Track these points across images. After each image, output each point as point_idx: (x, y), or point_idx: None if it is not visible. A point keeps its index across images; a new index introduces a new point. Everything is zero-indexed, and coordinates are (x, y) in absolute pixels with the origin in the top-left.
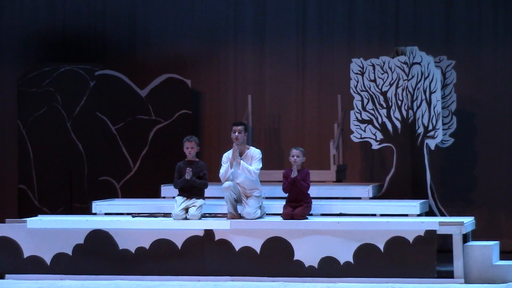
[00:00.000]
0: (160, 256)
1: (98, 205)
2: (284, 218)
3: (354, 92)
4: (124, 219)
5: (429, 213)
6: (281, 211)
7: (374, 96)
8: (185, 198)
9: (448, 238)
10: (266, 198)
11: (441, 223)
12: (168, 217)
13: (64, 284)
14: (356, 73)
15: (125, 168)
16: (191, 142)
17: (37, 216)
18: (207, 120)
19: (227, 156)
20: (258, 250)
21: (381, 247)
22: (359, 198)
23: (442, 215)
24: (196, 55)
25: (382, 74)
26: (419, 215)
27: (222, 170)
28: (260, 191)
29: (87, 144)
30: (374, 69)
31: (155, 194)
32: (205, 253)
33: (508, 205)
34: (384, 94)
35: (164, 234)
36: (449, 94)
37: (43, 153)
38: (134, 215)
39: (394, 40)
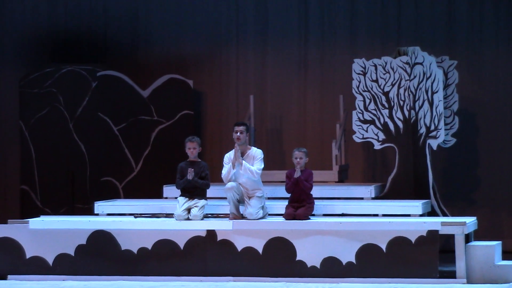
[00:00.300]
0: (163, 257)
1: (100, 206)
2: (287, 219)
3: (356, 92)
4: (126, 219)
5: (431, 213)
6: (283, 212)
7: (376, 96)
8: (187, 198)
9: (450, 238)
10: (268, 198)
11: (443, 223)
12: (170, 217)
13: (66, 284)
14: (358, 73)
15: (127, 169)
16: (193, 143)
17: (39, 216)
18: (209, 120)
19: (228, 156)
20: (260, 250)
21: (384, 247)
22: (361, 198)
23: (444, 215)
24: (198, 55)
25: (384, 74)
26: (421, 215)
27: (224, 171)
28: (262, 191)
29: (89, 145)
30: (376, 69)
31: (157, 194)
32: (208, 254)
33: (510, 205)
34: (386, 94)
35: (166, 234)
36: (451, 94)
37: (45, 153)
38: (136, 215)
39: (396, 40)
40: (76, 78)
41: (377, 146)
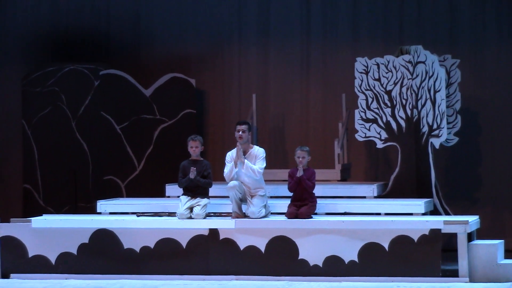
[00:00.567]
0: (165, 256)
1: (102, 205)
2: (289, 217)
3: (359, 91)
4: (129, 218)
5: (434, 212)
6: (285, 210)
7: (378, 95)
8: (189, 197)
9: (453, 237)
10: (271, 197)
11: (445, 222)
12: (172, 216)
13: (69, 283)
14: (361, 72)
15: (129, 168)
16: (196, 141)
17: (42, 215)
18: (211, 119)
19: (230, 155)
20: (262, 249)
21: (386, 246)
22: (364, 197)
23: (447, 214)
24: (200, 54)
25: (386, 73)
26: (423, 214)
27: (226, 170)
28: (265, 190)
29: (91, 144)
30: (378, 68)
31: (160, 193)
32: (210, 252)
33: None
34: (388, 93)
35: (168, 233)
36: (454, 93)
37: (47, 152)
38: (138, 214)
39: (399, 39)
40: (78, 77)
41: (380, 145)
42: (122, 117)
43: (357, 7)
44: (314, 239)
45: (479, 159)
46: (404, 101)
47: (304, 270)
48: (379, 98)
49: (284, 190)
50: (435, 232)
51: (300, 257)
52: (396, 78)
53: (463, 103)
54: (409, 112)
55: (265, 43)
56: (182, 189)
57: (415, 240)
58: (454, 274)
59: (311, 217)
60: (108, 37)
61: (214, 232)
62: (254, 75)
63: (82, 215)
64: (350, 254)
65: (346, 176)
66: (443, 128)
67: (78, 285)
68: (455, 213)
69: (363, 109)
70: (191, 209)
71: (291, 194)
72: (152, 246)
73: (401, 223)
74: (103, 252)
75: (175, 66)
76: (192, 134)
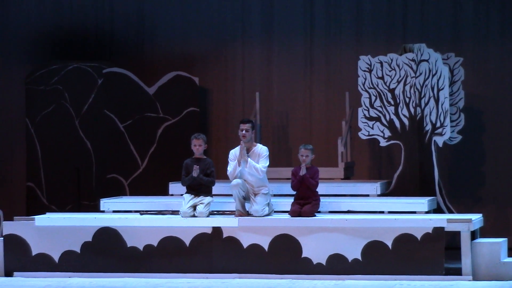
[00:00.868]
0: (168, 254)
1: (106, 203)
2: (292, 216)
3: (362, 89)
4: (132, 216)
5: (437, 210)
6: (289, 209)
7: (382, 93)
8: (193, 195)
9: (456, 235)
10: (274, 195)
11: (449, 220)
12: (176, 214)
13: (72, 281)
14: (364, 70)
15: (133, 166)
16: (199, 140)
17: (45, 213)
18: (214, 117)
19: (234, 153)
20: (266, 247)
21: (389, 244)
22: (367, 195)
23: (450, 212)
24: (203, 52)
25: (390, 71)
26: (427, 212)
27: (230, 168)
28: (268, 188)
29: (95, 142)
30: (382, 66)
31: (163, 191)
32: (213, 251)
33: None
34: (392, 91)
35: (172, 231)
36: (457, 91)
37: (51, 151)
38: (142, 212)
39: (402, 37)
40: (82, 75)
41: (383, 143)
42: (126, 115)
43: (361, 5)
44: (318, 237)
45: (482, 157)
46: (407, 99)
47: (308, 268)
48: (383, 96)
49: (287, 188)
50: (438, 230)
51: (304, 255)
52: (400, 76)
53: (466, 101)
54: (412, 110)
55: (269, 41)
56: (185, 187)
57: (419, 238)
58: (457, 272)
59: (315, 215)
60: (112, 35)
61: (217, 230)
62: (257, 73)
63: (86, 213)
64: (353, 252)
65: (349, 174)
66: (446, 126)
67: (82, 283)
68: (459, 211)
69: (367, 107)
70: (194, 207)
71: (294, 192)
72: (155, 244)
73: (405, 221)
74: (106, 251)
75: (179, 64)
76: (196, 132)
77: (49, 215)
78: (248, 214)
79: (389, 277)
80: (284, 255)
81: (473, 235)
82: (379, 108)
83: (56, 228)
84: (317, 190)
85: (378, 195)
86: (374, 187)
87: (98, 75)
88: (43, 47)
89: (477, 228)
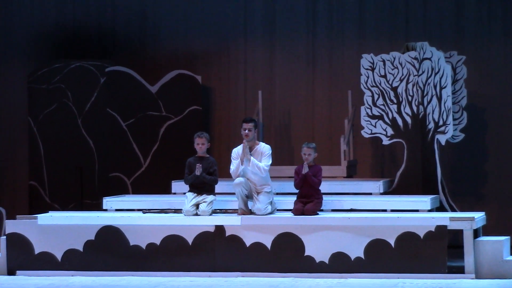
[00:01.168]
0: (171, 252)
1: (109, 201)
2: (295, 214)
3: (365, 87)
4: (135, 215)
5: (440, 208)
6: (291, 207)
7: (384, 92)
8: (195, 194)
9: (459, 233)
10: (277, 194)
11: (451, 219)
12: (178, 213)
13: (75, 280)
14: (367, 69)
15: (135, 164)
16: (202, 138)
17: (48, 212)
18: (217, 116)
19: (236, 151)
20: (269, 246)
21: (392, 242)
22: (370, 193)
23: (453, 210)
24: (206, 51)
25: (392, 69)
26: (429, 211)
27: (233, 167)
28: (271, 187)
29: (97, 141)
30: (384, 64)
31: (166, 190)
32: (216, 249)
33: None
34: (394, 89)
35: (174, 230)
36: (460, 89)
37: (53, 149)
38: (144, 211)
39: (405, 35)
40: (84, 73)
41: (386, 141)
42: (128, 114)
43: (363, 3)
44: (320, 236)
45: (485, 156)
46: (410, 98)
47: (310, 266)
48: (385, 94)
49: (290, 186)
50: (441, 229)
51: (306, 253)
52: (402, 74)
53: (469, 99)
54: (415, 108)
55: (271, 40)
56: (188, 186)
57: (421, 236)
58: (460, 270)
59: (317, 214)
60: (114, 33)
61: (220, 228)
62: (260, 72)
63: (88, 212)
64: (356, 250)
65: (352, 173)
66: (449, 124)
67: (84, 282)
68: (461, 210)
69: (369, 105)
70: (197, 206)
71: (297, 190)
72: (158, 243)
73: (407, 219)
74: (109, 249)
75: (181, 63)
76: (198, 131)
77: (51, 214)
78: (250, 212)
79: (392, 275)
80: (287, 253)
81: (476, 233)
82: (382, 107)
83: (59, 226)
84: (319, 188)
85: (381, 194)
86: (377, 185)
87: (100, 74)
88: (46, 46)
89: (479, 226)
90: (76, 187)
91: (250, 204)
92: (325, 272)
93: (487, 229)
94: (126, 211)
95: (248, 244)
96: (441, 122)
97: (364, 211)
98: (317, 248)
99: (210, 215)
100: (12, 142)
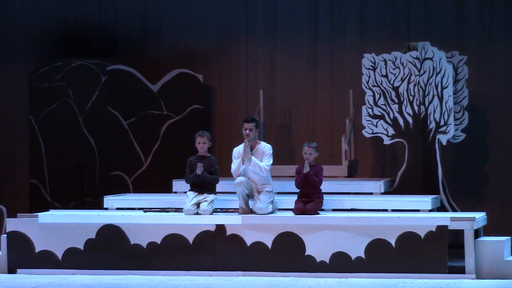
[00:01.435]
0: (172, 251)
1: (109, 200)
2: (296, 213)
3: (366, 87)
4: (135, 214)
5: (441, 208)
6: (292, 206)
7: (385, 92)
8: (196, 193)
9: (459, 233)
10: (278, 193)
11: (452, 219)
12: (179, 212)
13: (75, 278)
14: (368, 69)
15: (136, 163)
16: (203, 137)
17: (48, 211)
18: (218, 115)
19: (237, 151)
20: (269, 245)
21: (393, 242)
22: (371, 193)
23: (454, 210)
24: (207, 50)
25: (394, 69)
26: (430, 211)
27: (234, 166)
28: (272, 186)
29: (98, 139)
30: (386, 64)
31: (167, 189)
32: (217, 248)
33: None
34: (396, 89)
35: (175, 229)
36: (461, 89)
37: (55, 148)
38: (145, 210)
39: (406, 35)
40: (86, 72)
41: (387, 141)
42: (129, 113)
43: (365, 3)
44: (321, 235)
45: (486, 156)
46: (411, 98)
47: (311, 266)
48: (386, 94)
49: (291, 186)
50: (441, 229)
51: (307, 253)
52: (404, 74)
53: (470, 99)
54: (416, 108)
55: (273, 39)
56: (189, 185)
57: (422, 236)
58: (460, 270)
59: (318, 213)
60: (116, 32)
61: (221, 228)
62: (261, 71)
63: (89, 211)
64: (357, 250)
65: (353, 173)
66: (450, 124)
67: (85, 280)
68: (462, 210)
69: (370, 105)
70: (198, 205)
71: (298, 190)
72: (159, 242)
73: (408, 219)
74: (110, 248)
75: (183, 62)
76: (200, 130)
77: (52, 212)
78: (251, 211)
79: (393, 275)
80: (288, 253)
81: (477, 234)
82: (383, 106)
83: (60, 225)
84: (320, 187)
85: (382, 193)
86: (378, 185)
87: (102, 72)
88: (47, 44)
89: (480, 226)
90: (77, 186)
91: (251, 203)
92: (326, 271)
93: (488, 229)
94: (127, 210)
95: (248, 243)
96: (442, 122)
97: (365, 211)
98: (318, 247)
99: (211, 214)
100: (13, 140)
